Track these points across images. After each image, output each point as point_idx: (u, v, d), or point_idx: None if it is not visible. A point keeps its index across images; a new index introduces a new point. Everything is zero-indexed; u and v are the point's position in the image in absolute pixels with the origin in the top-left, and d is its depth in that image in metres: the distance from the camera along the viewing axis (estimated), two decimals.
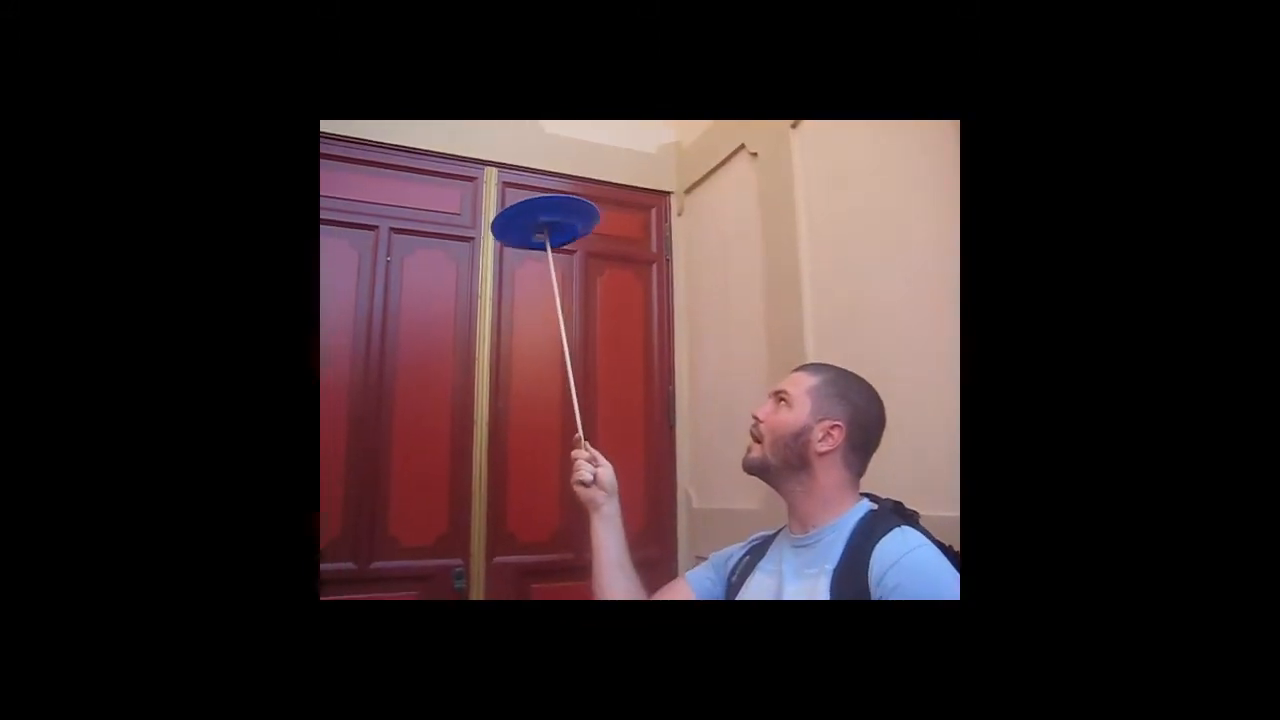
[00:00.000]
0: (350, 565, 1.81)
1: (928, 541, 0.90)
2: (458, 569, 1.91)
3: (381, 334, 1.95)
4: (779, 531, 1.12)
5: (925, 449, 1.29)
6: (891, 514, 0.97)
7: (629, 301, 2.29)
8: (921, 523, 0.97)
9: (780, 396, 1.05)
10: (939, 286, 1.32)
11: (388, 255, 1.98)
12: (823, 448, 1.01)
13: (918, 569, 0.86)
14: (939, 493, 1.21)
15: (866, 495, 1.05)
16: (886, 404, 1.08)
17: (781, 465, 1.03)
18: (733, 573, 1.14)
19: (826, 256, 1.69)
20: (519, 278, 2.13)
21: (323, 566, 1.76)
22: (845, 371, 1.08)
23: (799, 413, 1.02)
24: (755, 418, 1.08)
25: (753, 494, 1.68)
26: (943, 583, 0.84)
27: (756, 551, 1.13)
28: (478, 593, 1.92)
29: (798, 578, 0.98)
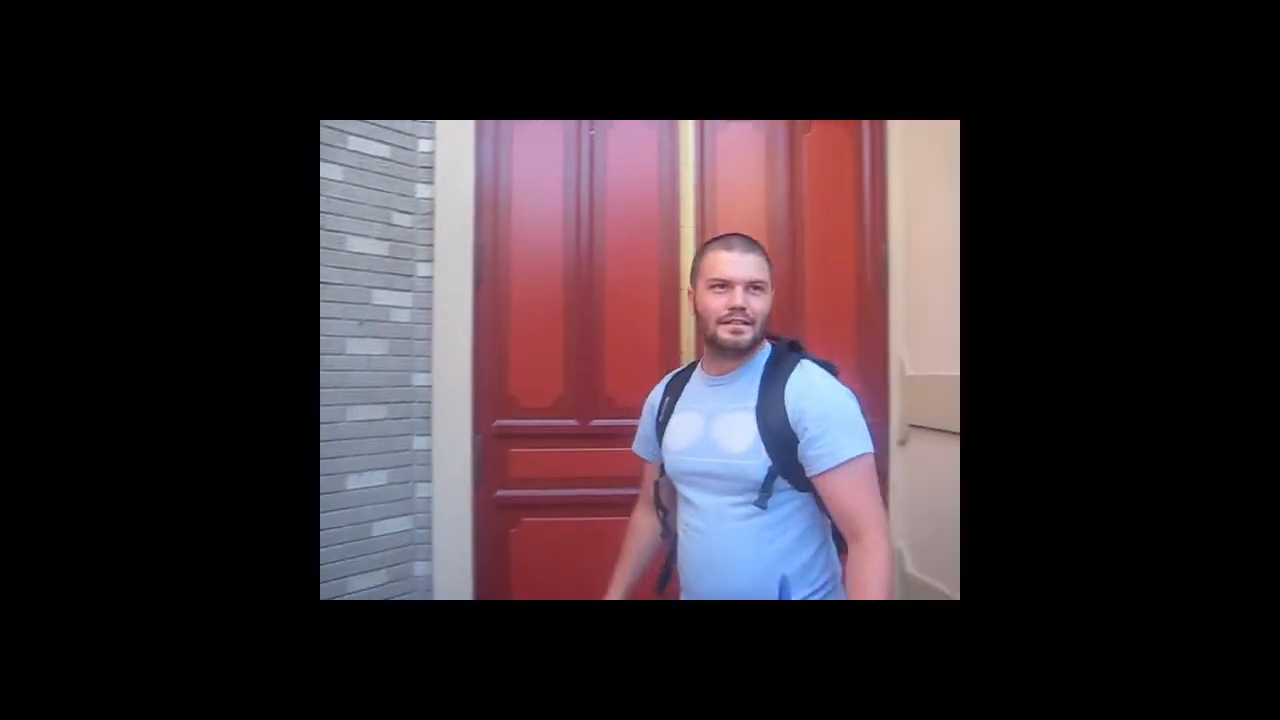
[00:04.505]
0: (573, 422, 2.01)
1: (823, 370, 1.14)
2: None
3: (590, 208, 2.05)
4: (690, 370, 1.27)
5: None
6: (789, 351, 1.17)
7: (838, 160, 2.16)
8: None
9: (757, 286, 1.15)
10: None
11: (591, 130, 2.05)
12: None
13: (822, 395, 1.10)
14: None
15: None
16: None
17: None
18: (659, 414, 1.27)
19: None
20: (719, 145, 2.10)
21: (548, 423, 2.00)
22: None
23: (770, 295, 1.17)
24: (740, 308, 1.14)
25: None
26: (840, 400, 1.10)
27: (673, 390, 1.27)
28: None
29: (722, 414, 1.16)
